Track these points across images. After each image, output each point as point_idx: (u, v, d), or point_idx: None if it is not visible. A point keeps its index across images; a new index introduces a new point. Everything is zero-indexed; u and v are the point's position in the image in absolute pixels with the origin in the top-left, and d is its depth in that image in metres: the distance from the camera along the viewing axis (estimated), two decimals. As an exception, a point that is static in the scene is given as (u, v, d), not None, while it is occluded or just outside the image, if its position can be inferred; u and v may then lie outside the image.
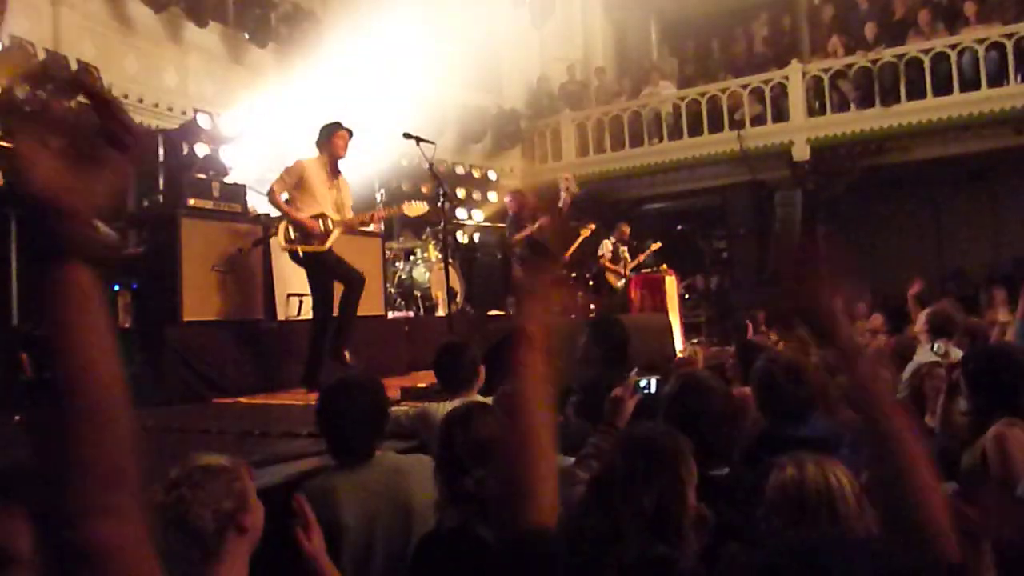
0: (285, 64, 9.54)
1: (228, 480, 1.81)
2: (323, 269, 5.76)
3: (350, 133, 5.95)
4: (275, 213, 6.38)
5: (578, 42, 15.07)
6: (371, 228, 7.19)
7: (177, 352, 5.72)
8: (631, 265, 9.78)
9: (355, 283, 5.81)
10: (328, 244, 5.74)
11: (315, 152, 5.89)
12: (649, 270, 9.59)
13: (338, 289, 5.81)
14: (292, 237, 5.72)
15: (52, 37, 7.73)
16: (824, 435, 2.62)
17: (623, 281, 9.53)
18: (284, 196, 5.76)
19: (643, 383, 2.87)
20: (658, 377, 3.01)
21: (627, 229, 10.13)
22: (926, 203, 12.84)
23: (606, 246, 9.77)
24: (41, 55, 7.17)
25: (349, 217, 6.01)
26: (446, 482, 2.25)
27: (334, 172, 5.90)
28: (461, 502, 2.18)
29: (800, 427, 2.71)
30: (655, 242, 9.98)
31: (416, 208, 6.24)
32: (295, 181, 5.78)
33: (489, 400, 3.15)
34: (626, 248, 9.97)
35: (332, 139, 5.84)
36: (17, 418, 4.97)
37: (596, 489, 1.92)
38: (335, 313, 5.74)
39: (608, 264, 9.71)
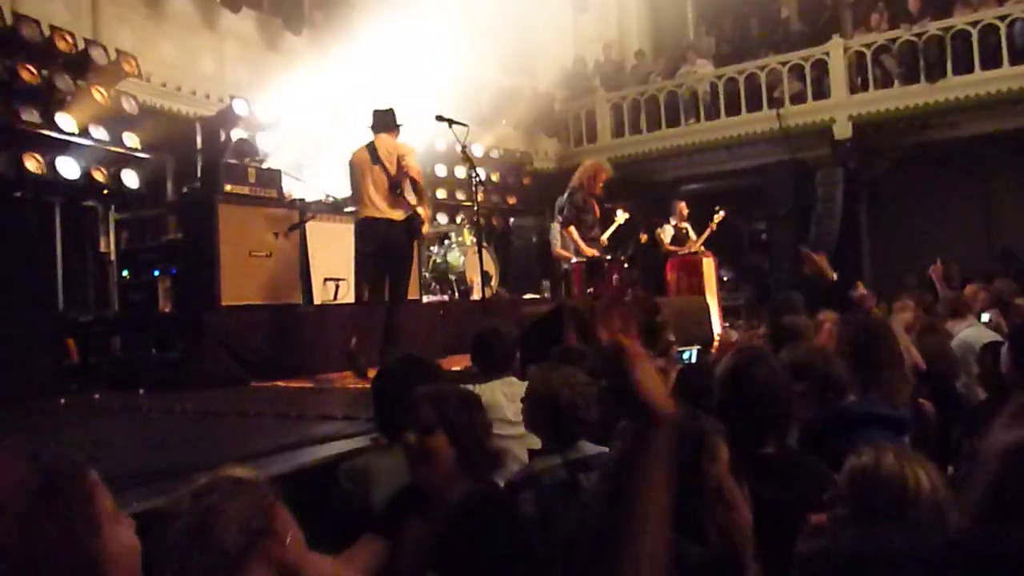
0: (320, 50, 9.57)
1: (259, 496, 1.61)
2: None
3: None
4: (309, 197, 6.37)
5: (613, 22, 14.90)
6: None
7: (216, 336, 5.81)
8: (699, 242, 9.36)
9: None
10: None
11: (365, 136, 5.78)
12: (686, 251, 9.42)
13: None
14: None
15: (91, 27, 7.86)
16: (901, 416, 2.54)
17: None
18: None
19: (685, 354, 2.83)
20: (699, 347, 2.98)
21: (684, 206, 9.74)
22: (974, 181, 12.49)
23: (667, 231, 9.41)
24: (81, 44, 7.29)
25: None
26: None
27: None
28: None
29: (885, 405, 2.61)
30: (717, 213, 9.59)
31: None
32: None
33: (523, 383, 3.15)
34: (688, 226, 9.62)
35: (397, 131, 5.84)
36: (63, 401, 5.11)
37: None
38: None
39: (673, 248, 9.30)
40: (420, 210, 5.68)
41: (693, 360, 2.85)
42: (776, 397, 2.30)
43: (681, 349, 2.83)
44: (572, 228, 7.03)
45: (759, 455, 2.22)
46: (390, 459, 2.61)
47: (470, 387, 3.54)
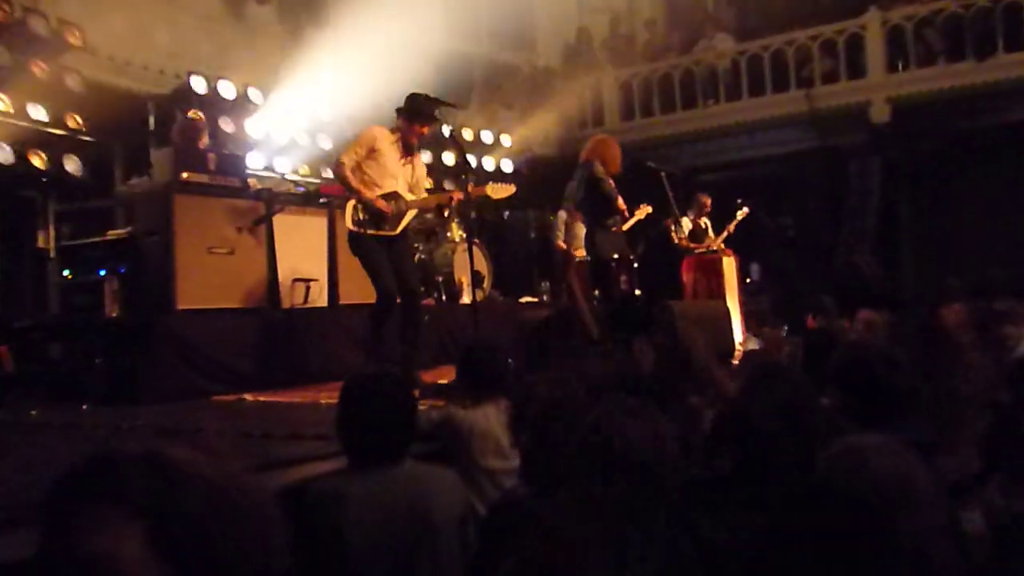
0: (290, 21, 9.56)
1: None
2: (386, 255, 5.71)
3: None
4: (277, 186, 6.35)
5: (622, -11, 14.91)
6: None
7: (170, 344, 5.78)
8: (719, 240, 9.38)
9: (409, 295, 5.71)
10: (400, 228, 5.74)
11: (384, 120, 5.88)
12: (704, 249, 9.41)
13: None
14: (361, 219, 5.64)
15: (30, -8, 7.82)
16: (925, 439, 2.56)
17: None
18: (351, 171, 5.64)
19: None
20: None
21: (708, 200, 9.75)
22: (1027, 171, 12.53)
23: (684, 225, 9.37)
24: (19, 13, 7.25)
25: (424, 197, 5.96)
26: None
27: (407, 150, 5.85)
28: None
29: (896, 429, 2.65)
30: (741, 208, 9.58)
31: (502, 189, 6.13)
32: (366, 152, 5.68)
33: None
34: (707, 221, 9.62)
35: (416, 123, 5.77)
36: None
37: None
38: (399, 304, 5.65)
39: (691, 245, 9.29)
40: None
41: None
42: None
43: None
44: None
45: None
46: (364, 483, 2.57)
47: (460, 410, 3.52)
